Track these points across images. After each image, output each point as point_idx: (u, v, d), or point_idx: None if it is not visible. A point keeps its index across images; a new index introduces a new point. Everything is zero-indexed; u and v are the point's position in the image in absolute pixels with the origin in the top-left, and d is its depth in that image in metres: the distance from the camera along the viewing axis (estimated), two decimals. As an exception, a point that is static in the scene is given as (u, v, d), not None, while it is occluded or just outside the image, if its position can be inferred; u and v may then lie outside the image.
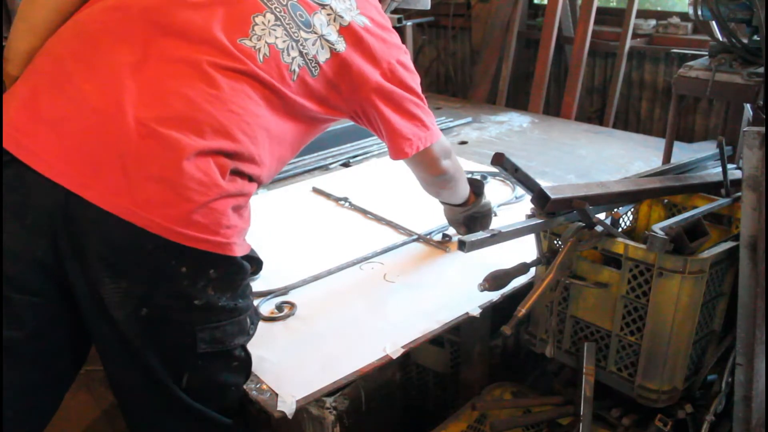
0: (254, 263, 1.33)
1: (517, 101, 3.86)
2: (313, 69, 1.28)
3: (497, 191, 2.34)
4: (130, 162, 1.05)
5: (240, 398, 1.33)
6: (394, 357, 1.44)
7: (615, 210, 1.46)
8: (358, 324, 1.57)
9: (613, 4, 3.89)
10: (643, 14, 3.53)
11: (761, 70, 1.79)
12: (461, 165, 1.75)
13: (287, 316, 1.59)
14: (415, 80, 1.51)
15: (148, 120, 1.07)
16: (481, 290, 1.36)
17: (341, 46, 1.32)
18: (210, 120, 1.11)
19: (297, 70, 1.25)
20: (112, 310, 1.12)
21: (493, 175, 2.42)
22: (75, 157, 1.06)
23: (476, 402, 1.53)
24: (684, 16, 3.32)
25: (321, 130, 1.45)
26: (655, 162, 2.43)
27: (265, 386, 1.35)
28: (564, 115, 3.51)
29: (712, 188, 1.61)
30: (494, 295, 1.60)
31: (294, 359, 1.44)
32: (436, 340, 1.74)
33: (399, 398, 1.68)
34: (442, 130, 3.08)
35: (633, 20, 3.35)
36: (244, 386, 1.35)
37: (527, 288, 1.44)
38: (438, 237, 1.98)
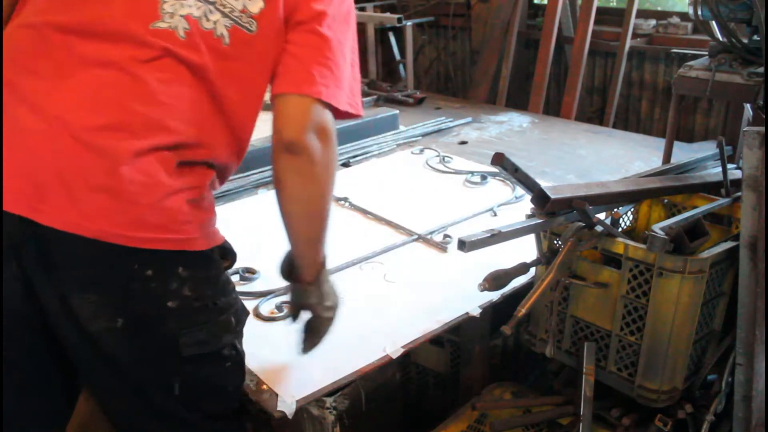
0: (228, 255, 1.26)
1: (517, 101, 3.86)
2: (247, 24, 1.16)
3: (497, 191, 2.34)
4: (71, 177, 1.03)
5: (240, 398, 1.31)
6: (394, 357, 1.44)
7: (615, 210, 1.46)
8: (358, 324, 1.57)
9: (613, 4, 3.89)
10: (643, 14, 3.54)
11: (761, 69, 1.79)
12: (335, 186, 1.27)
13: (287, 316, 1.59)
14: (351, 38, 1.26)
15: (80, 132, 1.04)
16: (481, 290, 1.36)
17: None
18: (141, 118, 1.07)
19: (225, 32, 1.14)
20: (88, 326, 1.10)
21: (493, 174, 2.42)
22: (21, 183, 1.04)
23: (476, 402, 1.53)
24: (684, 16, 3.33)
25: None
26: (655, 162, 2.43)
27: (265, 386, 1.35)
28: (564, 115, 3.51)
29: (712, 188, 1.61)
30: (494, 295, 1.60)
31: (294, 359, 1.44)
32: (436, 340, 1.74)
33: (399, 398, 1.68)
34: (442, 130, 3.13)
35: (633, 20, 3.35)
36: (244, 386, 1.35)
37: (527, 288, 1.44)
38: (438, 237, 1.98)
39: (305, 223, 1.28)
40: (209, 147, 1.14)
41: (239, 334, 1.26)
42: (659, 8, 3.71)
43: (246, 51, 1.16)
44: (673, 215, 1.62)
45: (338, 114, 1.20)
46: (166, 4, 1.12)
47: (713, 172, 1.72)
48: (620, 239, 1.34)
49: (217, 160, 1.18)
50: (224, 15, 1.15)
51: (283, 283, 1.71)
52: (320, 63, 1.16)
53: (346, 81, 1.19)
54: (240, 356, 1.27)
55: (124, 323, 1.10)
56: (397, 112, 3.10)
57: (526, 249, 1.53)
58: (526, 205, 1.58)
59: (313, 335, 1.39)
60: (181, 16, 1.12)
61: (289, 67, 1.17)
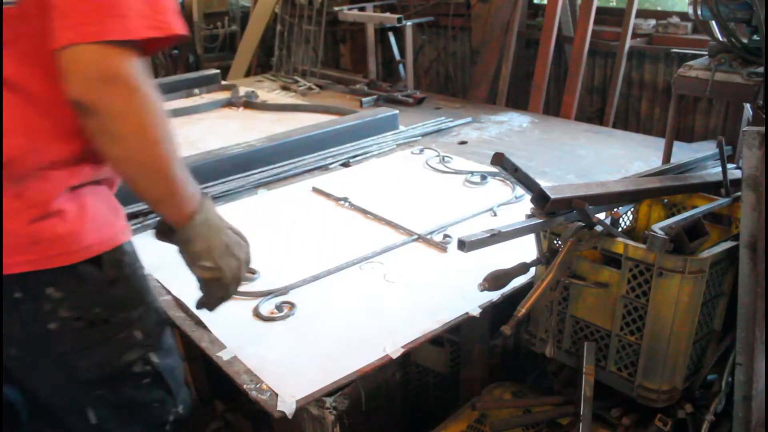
0: (111, 266, 1.10)
1: (517, 101, 3.86)
2: None
3: (497, 191, 2.34)
4: None
5: (173, 411, 1.25)
6: (394, 357, 1.44)
7: (615, 210, 1.46)
8: (358, 324, 1.57)
9: (613, 4, 3.89)
10: (643, 14, 3.54)
11: (761, 69, 1.79)
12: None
13: (287, 316, 1.60)
14: None
15: None
16: (481, 290, 1.36)
17: None
18: None
19: None
20: None
21: (493, 174, 2.42)
22: None
23: (476, 402, 1.52)
24: (684, 16, 3.33)
25: None
26: (655, 162, 2.43)
27: (265, 386, 1.35)
28: (564, 114, 3.51)
29: (711, 188, 1.61)
30: (494, 295, 1.60)
31: (294, 359, 1.44)
32: (436, 340, 1.74)
33: (399, 398, 1.68)
34: (441, 130, 3.13)
35: (633, 20, 3.35)
36: (244, 386, 1.35)
37: (527, 288, 1.44)
38: (438, 237, 1.98)
39: (140, 184, 1.04)
40: (33, 151, 0.98)
41: (154, 347, 1.18)
42: (659, 8, 3.71)
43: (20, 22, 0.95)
44: (673, 215, 1.62)
45: (148, 46, 0.96)
46: None
47: (713, 171, 1.72)
48: (620, 239, 1.34)
49: (60, 164, 1.01)
50: None
51: (283, 283, 1.72)
52: None
53: (126, 3, 0.92)
54: (158, 369, 1.19)
55: (17, 351, 1.07)
56: (397, 112, 3.10)
57: (526, 249, 1.53)
58: (525, 205, 1.58)
59: (202, 296, 1.21)
60: None
61: (49, 13, 0.91)
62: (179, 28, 0.97)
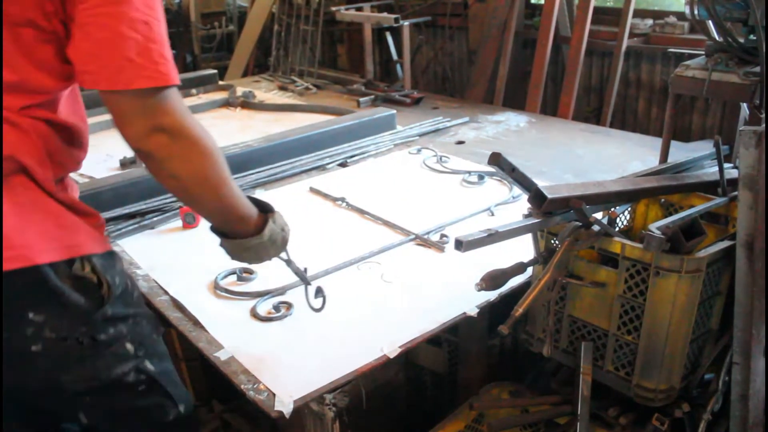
0: (105, 288, 1.11)
1: (515, 101, 3.87)
2: None
3: (494, 191, 2.34)
4: None
5: (173, 411, 1.26)
6: (392, 357, 1.44)
7: (612, 209, 1.46)
8: (356, 324, 1.57)
9: (610, 4, 3.90)
10: (640, 14, 3.54)
11: (757, 69, 1.80)
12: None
13: (284, 317, 1.59)
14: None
15: None
16: (479, 290, 1.36)
17: None
18: None
19: None
20: None
21: (491, 174, 2.42)
22: None
23: (474, 401, 1.53)
24: (681, 16, 3.33)
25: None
26: (652, 161, 2.43)
27: (262, 386, 1.35)
28: (561, 114, 3.51)
29: (708, 187, 1.61)
30: (491, 295, 1.60)
31: (291, 359, 1.44)
32: (434, 339, 1.74)
33: (400, 398, 1.68)
34: (439, 130, 3.14)
35: (630, 20, 3.35)
36: (242, 386, 1.35)
37: (524, 287, 1.44)
38: (435, 237, 1.98)
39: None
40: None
41: (148, 356, 1.19)
42: (656, 8, 3.72)
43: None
44: (670, 214, 1.62)
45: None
46: None
47: (710, 171, 1.72)
48: (617, 239, 1.34)
49: (34, 166, 1.03)
50: None
51: (280, 284, 1.71)
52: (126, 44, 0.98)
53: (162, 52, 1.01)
54: (153, 376, 1.20)
55: (6, 377, 1.07)
56: (395, 111, 3.10)
57: (524, 248, 1.53)
58: (523, 204, 1.59)
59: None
60: None
61: (84, 56, 0.99)
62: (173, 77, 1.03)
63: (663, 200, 1.69)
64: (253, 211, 1.25)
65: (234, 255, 1.30)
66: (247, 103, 3.66)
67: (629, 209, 1.69)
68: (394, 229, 2.05)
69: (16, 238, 0.98)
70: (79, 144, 1.15)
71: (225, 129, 3.20)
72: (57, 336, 1.05)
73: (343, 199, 2.25)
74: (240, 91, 3.85)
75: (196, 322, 1.57)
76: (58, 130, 1.08)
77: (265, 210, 1.29)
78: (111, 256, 1.14)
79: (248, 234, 1.25)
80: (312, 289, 1.52)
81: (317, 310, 1.52)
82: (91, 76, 0.99)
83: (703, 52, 1.97)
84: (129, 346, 1.15)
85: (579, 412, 1.38)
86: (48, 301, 1.03)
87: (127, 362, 1.15)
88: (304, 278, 1.48)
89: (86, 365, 1.10)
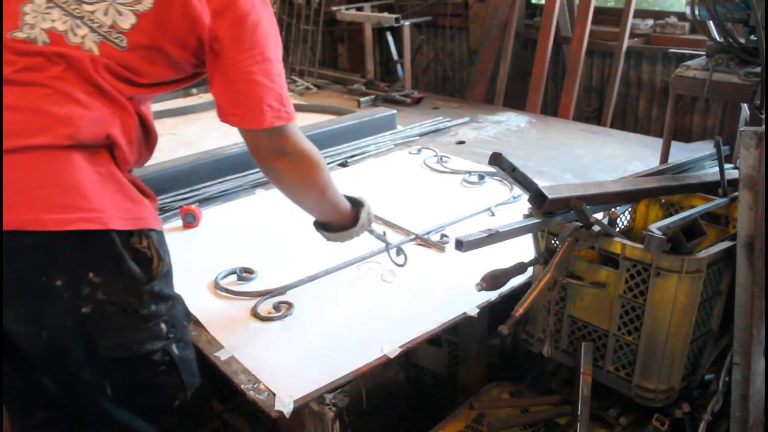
0: (155, 263, 1.21)
1: (515, 101, 3.87)
2: (116, 40, 1.16)
3: (495, 191, 2.34)
4: None
5: (179, 394, 1.31)
6: (392, 357, 1.44)
7: (612, 210, 1.46)
8: (356, 324, 1.57)
9: (611, 4, 3.90)
10: (641, 14, 3.54)
11: (758, 69, 1.80)
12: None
13: (284, 316, 1.59)
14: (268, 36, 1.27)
15: None
16: (479, 290, 1.36)
17: (146, 4, 1.17)
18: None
19: (94, 47, 1.14)
20: (20, 341, 1.16)
21: (491, 174, 2.42)
22: None
23: (474, 402, 1.53)
24: (681, 16, 3.33)
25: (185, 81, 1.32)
26: (653, 162, 2.43)
27: (262, 386, 1.35)
28: (562, 114, 3.51)
29: (709, 188, 1.61)
30: (492, 295, 1.60)
31: (291, 359, 1.44)
32: (434, 340, 1.74)
33: (401, 398, 1.68)
34: (439, 130, 3.13)
35: (630, 20, 3.35)
36: (242, 386, 1.35)
37: (525, 288, 1.44)
38: (435, 237, 1.98)
39: (307, 210, 1.51)
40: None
41: (176, 340, 1.27)
42: (657, 8, 3.72)
43: (119, 66, 1.16)
44: (671, 215, 1.62)
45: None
46: (28, 16, 1.13)
47: (710, 171, 1.73)
48: (617, 239, 1.34)
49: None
50: (92, 30, 1.15)
51: (280, 283, 1.72)
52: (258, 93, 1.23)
53: (281, 95, 1.27)
54: (175, 361, 1.27)
55: (48, 335, 1.13)
56: (395, 111, 3.10)
57: (524, 249, 1.53)
58: (523, 204, 1.58)
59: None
60: (43, 29, 1.13)
61: (232, 101, 1.25)
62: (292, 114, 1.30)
63: (663, 201, 1.69)
64: (348, 206, 1.56)
65: (332, 239, 1.60)
66: (248, 103, 3.66)
67: (630, 209, 1.69)
68: (394, 229, 2.05)
69: (96, 202, 1.09)
70: (150, 144, 1.30)
71: (225, 129, 3.17)
72: (107, 299, 1.13)
73: (343, 199, 2.25)
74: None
75: (196, 322, 1.57)
76: (142, 124, 1.24)
77: (355, 204, 1.59)
78: (163, 236, 1.25)
79: (345, 226, 1.57)
80: (393, 251, 1.81)
81: (401, 266, 1.79)
82: (238, 117, 1.25)
83: (703, 53, 1.97)
84: (163, 326, 1.23)
85: (579, 413, 1.38)
86: (108, 265, 1.12)
87: (159, 341, 1.23)
88: (385, 241, 1.81)
89: (123, 335, 1.17)
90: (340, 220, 1.55)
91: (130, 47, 1.16)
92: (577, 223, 1.35)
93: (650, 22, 3.45)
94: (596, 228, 1.34)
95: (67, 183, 1.07)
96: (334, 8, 4.46)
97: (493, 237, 1.26)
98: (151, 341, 1.21)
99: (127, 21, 1.16)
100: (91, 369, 1.20)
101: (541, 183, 1.35)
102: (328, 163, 2.65)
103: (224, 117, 1.26)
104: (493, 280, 1.36)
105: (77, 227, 1.06)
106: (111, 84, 1.15)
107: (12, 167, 1.04)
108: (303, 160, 1.34)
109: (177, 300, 1.29)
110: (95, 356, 1.17)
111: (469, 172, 2.46)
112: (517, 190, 2.22)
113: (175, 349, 1.26)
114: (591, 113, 3.73)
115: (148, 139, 1.28)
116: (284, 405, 1.29)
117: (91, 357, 1.17)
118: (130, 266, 1.15)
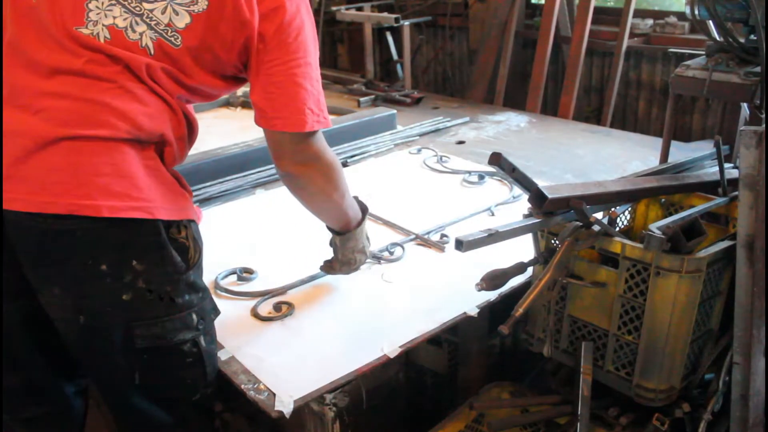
0: (192, 253, 1.27)
1: (515, 101, 3.87)
2: (172, 38, 1.20)
3: (495, 191, 2.34)
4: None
5: (199, 389, 1.34)
6: (392, 357, 1.44)
7: (612, 209, 1.46)
8: (356, 324, 1.57)
9: (611, 4, 3.90)
10: (641, 14, 3.54)
11: (758, 69, 1.80)
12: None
13: (285, 316, 1.59)
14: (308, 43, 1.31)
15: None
16: (479, 290, 1.36)
17: (201, 5, 1.21)
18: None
19: (150, 44, 1.19)
20: (53, 319, 1.20)
21: (491, 174, 2.42)
22: None
23: (474, 401, 1.53)
24: (681, 16, 3.33)
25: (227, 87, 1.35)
26: (653, 161, 2.43)
27: (262, 386, 1.35)
28: (561, 114, 3.51)
29: (709, 187, 1.61)
30: (492, 295, 1.60)
31: (292, 359, 1.44)
32: (434, 339, 1.74)
33: (401, 398, 1.68)
34: (439, 130, 3.13)
35: (630, 20, 3.35)
36: (242, 386, 1.35)
37: (525, 287, 1.44)
38: (436, 237, 1.98)
39: (323, 218, 1.56)
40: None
41: (204, 332, 1.29)
42: (656, 8, 3.72)
43: (172, 65, 1.22)
44: (671, 214, 1.62)
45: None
46: (92, 13, 1.17)
47: (710, 171, 1.72)
48: (617, 238, 1.34)
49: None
50: (150, 27, 1.19)
51: (281, 284, 1.72)
52: (295, 99, 1.26)
53: (320, 102, 1.31)
54: (202, 353, 1.30)
55: (85, 320, 1.17)
56: (395, 111, 3.10)
57: (524, 249, 1.53)
58: (523, 204, 1.58)
59: (330, 265, 1.69)
60: (105, 25, 1.17)
61: (275, 104, 1.27)
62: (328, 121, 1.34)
63: (663, 200, 1.69)
64: (359, 212, 1.61)
65: (346, 247, 1.63)
66: (248, 103, 3.65)
67: (629, 209, 1.69)
68: (394, 229, 2.05)
69: (146, 192, 1.15)
70: (192, 140, 1.34)
71: (225, 129, 3.20)
72: (146, 287, 1.17)
73: (343, 199, 2.25)
74: (240, 90, 3.85)
75: (197, 322, 1.57)
76: (187, 122, 1.28)
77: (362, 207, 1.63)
78: (198, 227, 1.30)
79: (352, 230, 1.60)
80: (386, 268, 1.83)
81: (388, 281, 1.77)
82: (281, 121, 1.27)
83: (703, 52, 1.96)
84: (194, 317, 1.26)
85: (579, 412, 1.38)
86: (151, 253, 1.17)
87: (189, 332, 1.26)
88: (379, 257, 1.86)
89: (158, 324, 1.21)
90: (347, 226, 1.59)
91: (183, 46, 1.20)
92: (577, 222, 1.35)
93: (650, 21, 3.45)
94: (596, 228, 1.34)
95: (122, 173, 1.13)
96: (334, 8, 4.46)
97: (493, 237, 1.26)
98: (182, 331, 1.24)
99: (183, 20, 1.20)
100: (123, 356, 1.23)
101: (541, 183, 1.35)
102: (328, 163, 2.65)
103: (266, 121, 1.29)
104: (493, 280, 1.36)
105: (128, 215, 1.12)
106: (163, 83, 1.20)
107: (72, 154, 1.10)
108: (328, 167, 1.38)
109: (206, 292, 1.32)
110: (129, 344, 1.20)
111: (469, 172, 2.46)
112: (517, 190, 2.22)
113: (203, 341, 1.30)
114: (591, 113, 3.73)
115: (191, 136, 1.33)
116: (284, 405, 1.29)
117: (125, 345, 1.20)
118: (171, 255, 1.20)
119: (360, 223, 1.61)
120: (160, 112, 1.20)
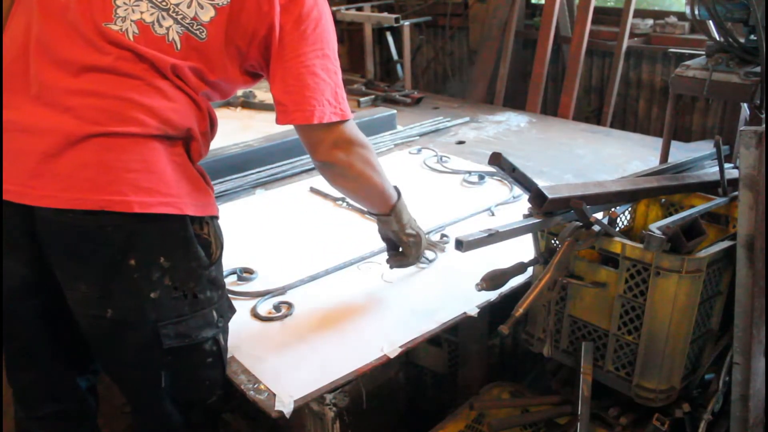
0: (214, 248, 1.28)
1: (515, 101, 3.87)
2: (197, 32, 1.22)
3: (495, 191, 2.34)
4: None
5: (215, 392, 1.36)
6: (392, 357, 1.44)
7: (612, 209, 1.46)
8: (356, 324, 1.57)
9: (611, 4, 3.90)
10: (641, 14, 3.54)
11: (758, 69, 1.80)
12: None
13: (285, 316, 1.59)
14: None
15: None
16: (479, 290, 1.36)
17: None
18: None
19: (177, 38, 1.21)
20: (78, 317, 1.20)
21: (491, 174, 2.42)
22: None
23: (474, 401, 1.53)
24: (681, 16, 3.33)
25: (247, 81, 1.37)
26: (653, 161, 2.43)
27: (262, 386, 1.35)
28: (561, 114, 3.51)
29: (709, 187, 1.61)
30: (492, 295, 1.60)
31: (292, 359, 1.44)
32: (434, 340, 1.74)
33: (401, 398, 1.68)
34: (439, 130, 3.13)
35: (630, 20, 3.35)
36: (242, 386, 1.35)
37: (525, 288, 1.44)
38: (436, 237, 1.98)
39: (362, 201, 1.60)
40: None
41: (222, 330, 1.31)
42: (656, 8, 3.72)
43: (198, 59, 1.24)
44: (671, 214, 1.62)
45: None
46: (120, 9, 1.19)
47: (710, 171, 1.72)
48: (618, 239, 1.34)
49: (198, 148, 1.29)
50: (176, 22, 1.21)
51: (281, 284, 1.72)
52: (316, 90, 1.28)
53: (338, 94, 1.33)
54: (221, 352, 1.32)
55: (113, 314, 1.17)
56: (395, 112, 3.10)
57: (524, 249, 1.53)
58: (523, 204, 1.58)
59: (400, 257, 1.67)
60: (132, 21, 1.19)
61: (295, 97, 1.29)
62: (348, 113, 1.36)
63: (663, 200, 1.69)
64: (392, 189, 1.58)
65: (401, 221, 1.61)
66: (248, 103, 3.66)
67: (630, 209, 1.69)
68: (394, 229, 2.05)
69: (174, 187, 1.16)
70: (213, 134, 1.34)
71: (225, 129, 3.17)
72: (172, 285, 1.18)
73: (343, 199, 2.25)
74: (240, 90, 3.84)
75: (197, 322, 1.57)
76: (209, 117, 1.28)
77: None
78: (219, 223, 1.30)
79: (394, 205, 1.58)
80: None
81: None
82: (303, 113, 1.28)
83: (703, 53, 1.96)
84: (215, 314, 1.28)
85: (579, 412, 1.38)
86: (178, 249, 1.18)
87: (211, 329, 1.27)
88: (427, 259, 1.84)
89: (182, 322, 1.22)
90: (388, 205, 1.57)
91: (208, 39, 1.22)
92: (577, 222, 1.35)
93: (650, 21, 3.45)
94: (596, 228, 1.34)
95: (151, 168, 1.14)
96: (334, 8, 4.46)
97: (493, 237, 1.26)
98: (204, 329, 1.25)
99: (207, 14, 1.22)
100: (149, 356, 1.23)
101: (541, 183, 1.35)
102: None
103: (287, 116, 1.30)
104: (493, 280, 1.36)
105: (158, 211, 1.13)
106: (188, 80, 1.21)
107: (102, 150, 1.10)
108: (363, 149, 1.40)
109: (224, 290, 1.33)
110: (156, 344, 1.20)
111: (469, 172, 2.46)
112: (517, 190, 2.22)
113: (222, 340, 1.31)
114: (591, 113, 3.73)
115: (212, 131, 1.34)
116: (284, 405, 1.29)
117: (152, 344, 1.20)
118: (197, 250, 1.21)
119: (399, 194, 1.60)
120: (186, 107, 1.21)
